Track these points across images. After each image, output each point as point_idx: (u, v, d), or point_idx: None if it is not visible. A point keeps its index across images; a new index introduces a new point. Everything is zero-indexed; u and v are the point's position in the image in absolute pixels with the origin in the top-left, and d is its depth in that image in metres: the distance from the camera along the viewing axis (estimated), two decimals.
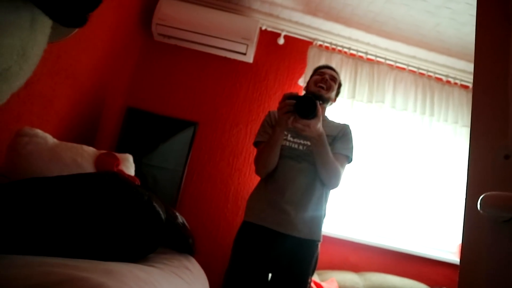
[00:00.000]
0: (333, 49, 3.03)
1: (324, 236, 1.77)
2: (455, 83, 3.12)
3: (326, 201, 1.75)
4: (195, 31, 2.74)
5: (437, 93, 3.05)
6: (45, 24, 0.50)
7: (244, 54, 2.84)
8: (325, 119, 1.85)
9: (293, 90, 3.01)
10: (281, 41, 3.03)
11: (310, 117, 1.49)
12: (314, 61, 2.93)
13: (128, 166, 1.76)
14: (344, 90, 2.90)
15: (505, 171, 0.57)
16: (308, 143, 1.68)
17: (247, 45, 2.77)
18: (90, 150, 1.59)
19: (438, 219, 2.88)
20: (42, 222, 0.89)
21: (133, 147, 2.51)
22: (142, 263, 1.02)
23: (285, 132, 1.73)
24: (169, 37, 2.84)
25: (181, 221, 1.52)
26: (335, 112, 2.72)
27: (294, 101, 1.50)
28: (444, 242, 2.89)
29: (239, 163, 2.86)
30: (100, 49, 2.22)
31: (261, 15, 3.01)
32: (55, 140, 1.54)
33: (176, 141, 2.78)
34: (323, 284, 2.25)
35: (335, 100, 1.90)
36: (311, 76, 1.92)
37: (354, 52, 3.05)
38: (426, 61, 3.14)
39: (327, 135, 1.64)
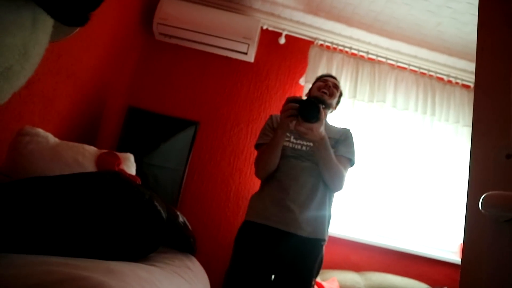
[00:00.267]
0: (334, 48, 3.03)
1: None
2: (457, 83, 3.12)
3: (330, 202, 1.75)
4: (196, 30, 2.74)
5: (438, 93, 3.05)
6: (46, 23, 0.50)
7: (245, 53, 2.84)
8: (326, 123, 1.86)
9: (294, 89, 3.01)
10: (282, 40, 3.03)
11: (313, 121, 1.49)
12: (315, 60, 2.93)
13: (129, 166, 1.76)
14: (345, 89, 2.90)
15: (507, 170, 0.57)
16: (311, 144, 1.69)
17: (248, 45, 2.77)
18: (91, 149, 1.60)
19: (439, 218, 2.88)
20: (43, 221, 0.90)
21: (134, 147, 2.51)
22: (143, 262, 1.03)
23: (288, 134, 1.74)
24: (170, 36, 2.84)
25: (182, 220, 1.52)
26: (336, 112, 2.72)
27: (297, 105, 1.51)
28: (445, 242, 2.88)
29: (240, 163, 2.86)
30: (101, 48, 2.22)
31: (262, 15, 3.01)
32: (56, 140, 1.54)
33: (177, 140, 2.78)
34: (324, 283, 2.25)
35: (335, 108, 1.92)
36: (314, 83, 1.95)
37: (355, 52, 3.05)
38: (427, 60, 3.14)
39: (329, 138, 1.65)
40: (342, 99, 1.97)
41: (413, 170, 2.91)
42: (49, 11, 0.45)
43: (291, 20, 3.05)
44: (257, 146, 1.84)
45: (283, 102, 2.93)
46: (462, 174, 2.90)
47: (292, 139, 1.77)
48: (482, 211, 0.55)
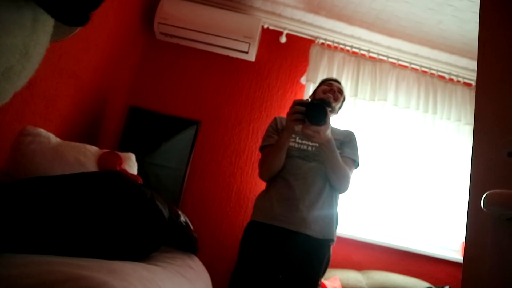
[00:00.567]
0: (335, 47, 3.03)
1: None
2: (458, 81, 3.11)
3: (336, 202, 1.76)
4: (197, 29, 2.74)
5: (440, 91, 3.04)
6: (47, 23, 0.50)
7: (246, 52, 2.84)
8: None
9: (295, 88, 3.01)
10: (283, 39, 3.02)
11: (320, 124, 1.50)
12: (316, 59, 2.92)
13: (131, 165, 1.77)
14: (347, 88, 2.90)
15: (509, 168, 0.57)
16: (317, 144, 1.69)
17: (249, 44, 2.77)
18: (93, 149, 1.60)
19: (441, 217, 2.87)
20: (45, 221, 0.90)
21: (135, 146, 2.51)
22: (145, 261, 1.03)
23: (293, 135, 1.74)
24: (171, 36, 2.84)
25: (183, 219, 1.52)
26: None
27: (304, 108, 1.52)
28: (447, 240, 2.88)
29: (241, 162, 2.86)
30: (102, 48, 2.22)
31: (263, 14, 3.00)
32: (58, 139, 1.54)
33: (179, 140, 2.78)
34: (326, 282, 2.25)
35: (337, 112, 1.93)
36: (318, 86, 1.96)
37: (356, 50, 3.04)
38: (428, 58, 3.13)
39: (335, 139, 1.66)
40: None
41: (415, 169, 2.91)
42: (50, 11, 0.45)
43: (292, 19, 3.04)
44: (262, 148, 1.84)
45: (284, 101, 2.99)
46: (464, 173, 2.90)
47: (297, 140, 1.77)
48: (484, 209, 0.55)
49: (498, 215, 0.56)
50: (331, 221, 1.70)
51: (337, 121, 2.14)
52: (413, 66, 3.07)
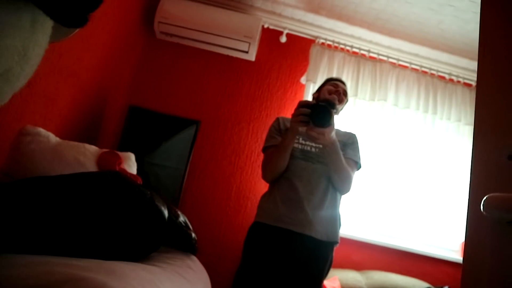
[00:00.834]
0: (336, 47, 3.02)
1: None
2: (458, 81, 3.11)
3: (339, 204, 1.76)
4: (197, 29, 2.74)
5: (440, 91, 3.04)
6: (46, 25, 0.50)
7: (246, 52, 2.84)
8: None
9: (295, 88, 3.01)
10: (283, 39, 3.02)
11: (325, 126, 1.50)
12: (317, 59, 2.92)
13: (130, 165, 1.76)
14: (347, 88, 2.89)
15: (509, 171, 0.56)
16: (320, 145, 1.69)
17: (249, 43, 2.76)
18: (93, 148, 1.60)
19: (441, 217, 2.87)
20: (44, 221, 0.90)
21: (135, 146, 2.51)
22: (144, 262, 1.03)
23: (296, 136, 1.73)
24: (171, 35, 2.84)
25: (183, 219, 1.52)
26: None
27: (309, 110, 1.52)
28: (447, 241, 2.88)
29: (241, 162, 2.86)
30: (102, 47, 2.22)
31: (263, 13, 3.00)
32: (57, 139, 1.54)
33: (178, 139, 2.77)
34: (325, 282, 2.25)
35: (338, 113, 1.91)
36: (323, 85, 1.94)
37: (356, 50, 3.04)
38: (429, 59, 3.13)
39: (338, 141, 1.65)
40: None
41: (414, 169, 2.91)
42: (48, 12, 0.45)
43: (292, 19, 3.04)
44: (264, 149, 1.83)
45: (284, 100, 2.98)
46: (464, 173, 2.90)
47: (301, 141, 1.77)
48: (484, 213, 0.55)
49: (498, 219, 0.56)
50: (335, 223, 1.71)
51: (337, 121, 2.13)
52: (413, 66, 3.07)
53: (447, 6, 2.54)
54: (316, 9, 2.88)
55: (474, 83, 3.18)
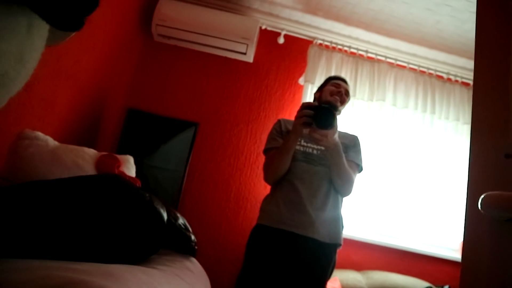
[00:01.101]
0: (333, 48, 3.03)
1: None
2: (456, 81, 3.12)
3: (341, 206, 1.76)
4: (195, 31, 2.74)
5: (438, 91, 3.05)
6: (42, 29, 0.50)
7: (244, 53, 2.84)
8: None
9: (293, 89, 3.01)
10: (281, 40, 3.03)
11: (328, 128, 1.50)
12: (315, 60, 2.93)
13: (129, 168, 1.76)
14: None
15: (506, 170, 0.57)
16: (322, 147, 1.69)
17: (247, 45, 2.77)
18: (91, 152, 1.60)
19: (440, 216, 2.87)
20: (43, 225, 0.89)
21: (134, 148, 2.50)
22: (143, 265, 1.02)
23: (299, 138, 1.73)
24: (169, 37, 2.84)
25: (182, 222, 1.52)
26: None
27: (312, 112, 1.52)
28: (447, 240, 2.88)
29: (240, 163, 2.86)
30: (100, 50, 2.22)
31: (261, 15, 3.00)
32: (56, 143, 1.54)
33: (177, 141, 2.77)
34: None
35: (340, 113, 1.89)
36: (325, 85, 1.91)
37: (354, 51, 3.04)
38: (426, 58, 3.13)
39: (341, 143, 1.65)
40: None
41: (413, 169, 2.91)
42: (44, 16, 0.45)
43: (289, 20, 3.04)
44: (266, 151, 1.82)
45: (282, 102, 2.99)
46: (462, 172, 2.90)
47: (302, 143, 1.76)
48: (482, 211, 0.55)
49: (495, 217, 0.56)
50: (338, 225, 1.71)
51: (340, 123, 2.13)
52: (411, 66, 3.08)
53: (444, 6, 2.55)
54: (313, 10, 2.89)
55: (471, 82, 3.18)
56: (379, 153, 2.86)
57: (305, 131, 1.58)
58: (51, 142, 1.52)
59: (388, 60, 3.06)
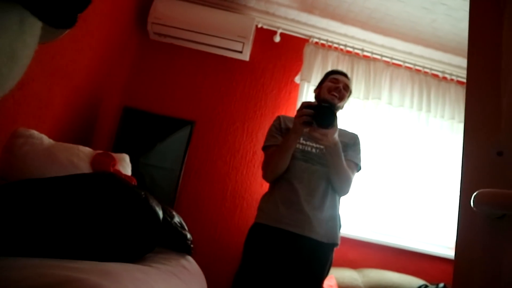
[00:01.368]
0: (329, 46, 3.03)
1: None
2: (452, 79, 3.13)
3: (339, 205, 1.76)
4: (190, 29, 2.73)
5: (434, 90, 3.06)
6: (34, 26, 0.50)
7: (240, 52, 2.84)
8: None
9: (289, 88, 3.01)
10: (277, 38, 3.02)
11: (328, 127, 1.51)
12: (311, 58, 2.93)
13: (125, 166, 1.76)
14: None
15: (498, 167, 0.57)
16: (320, 146, 1.69)
17: (243, 43, 2.76)
18: (86, 150, 1.59)
19: (435, 214, 2.89)
20: (38, 223, 0.89)
21: (130, 147, 2.50)
22: (139, 263, 1.02)
23: (299, 137, 1.72)
24: (165, 36, 2.83)
25: (178, 220, 1.51)
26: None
27: (312, 111, 1.53)
28: (442, 238, 2.90)
29: (236, 162, 2.86)
30: (96, 48, 2.21)
31: (256, 13, 3.00)
32: (51, 141, 1.53)
33: (173, 140, 2.77)
34: None
35: (342, 108, 1.87)
36: (324, 80, 1.86)
37: (350, 49, 3.05)
38: (422, 57, 3.14)
39: (340, 141, 1.64)
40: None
41: (409, 167, 2.92)
42: (36, 13, 0.45)
43: (285, 18, 3.04)
44: (265, 148, 1.81)
45: (278, 100, 2.99)
46: (458, 170, 2.91)
47: (301, 141, 1.75)
48: (474, 208, 0.55)
49: (488, 214, 0.56)
50: (335, 225, 1.71)
51: (341, 121, 2.12)
52: (406, 64, 3.09)
53: (439, 4, 2.56)
54: (309, 9, 2.89)
55: None
56: (374, 152, 2.87)
57: (306, 129, 1.58)
58: (46, 140, 1.51)
59: (384, 58, 3.07)
